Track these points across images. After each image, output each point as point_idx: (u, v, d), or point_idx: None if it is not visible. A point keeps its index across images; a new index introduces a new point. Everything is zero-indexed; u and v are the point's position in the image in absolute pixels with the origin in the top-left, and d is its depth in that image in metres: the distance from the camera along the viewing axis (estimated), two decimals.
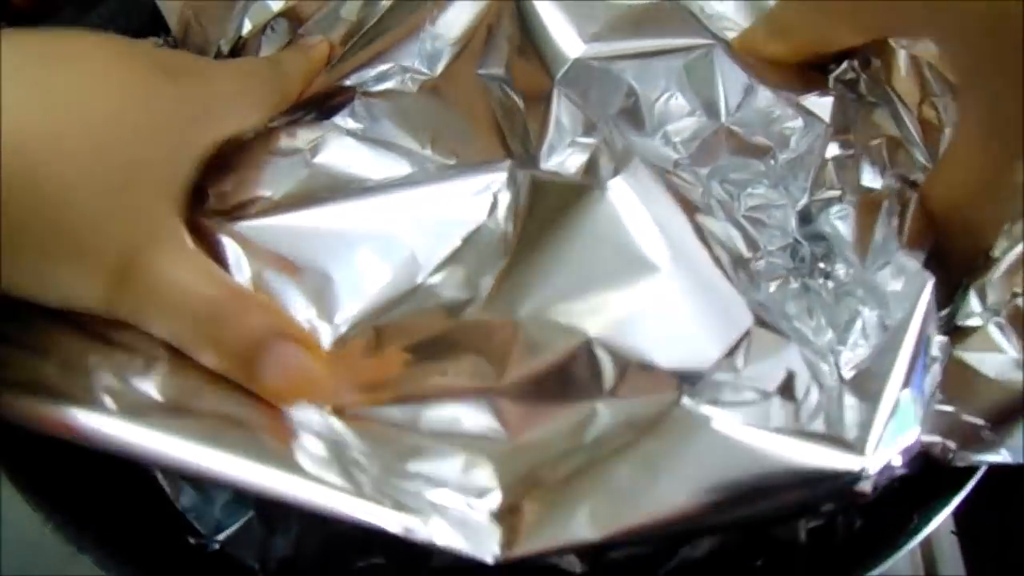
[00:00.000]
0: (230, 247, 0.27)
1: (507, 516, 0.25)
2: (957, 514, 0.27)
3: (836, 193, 0.31)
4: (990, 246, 0.29)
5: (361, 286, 0.27)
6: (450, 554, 0.24)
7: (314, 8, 0.35)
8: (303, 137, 0.31)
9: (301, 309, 0.27)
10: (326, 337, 0.27)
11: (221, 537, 0.29)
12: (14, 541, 0.37)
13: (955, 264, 0.29)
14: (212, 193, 0.29)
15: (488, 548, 0.24)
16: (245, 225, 0.28)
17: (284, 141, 0.30)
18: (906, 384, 0.26)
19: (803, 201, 0.31)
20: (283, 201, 0.29)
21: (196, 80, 0.27)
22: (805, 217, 0.31)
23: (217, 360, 0.25)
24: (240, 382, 0.25)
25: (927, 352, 0.26)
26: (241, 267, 0.27)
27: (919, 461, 0.26)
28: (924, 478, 0.26)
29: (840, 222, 0.30)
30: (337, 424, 0.27)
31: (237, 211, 0.28)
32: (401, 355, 0.27)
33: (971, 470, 0.27)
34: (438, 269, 0.28)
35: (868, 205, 0.30)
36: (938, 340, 0.27)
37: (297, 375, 0.25)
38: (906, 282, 0.28)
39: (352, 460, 0.26)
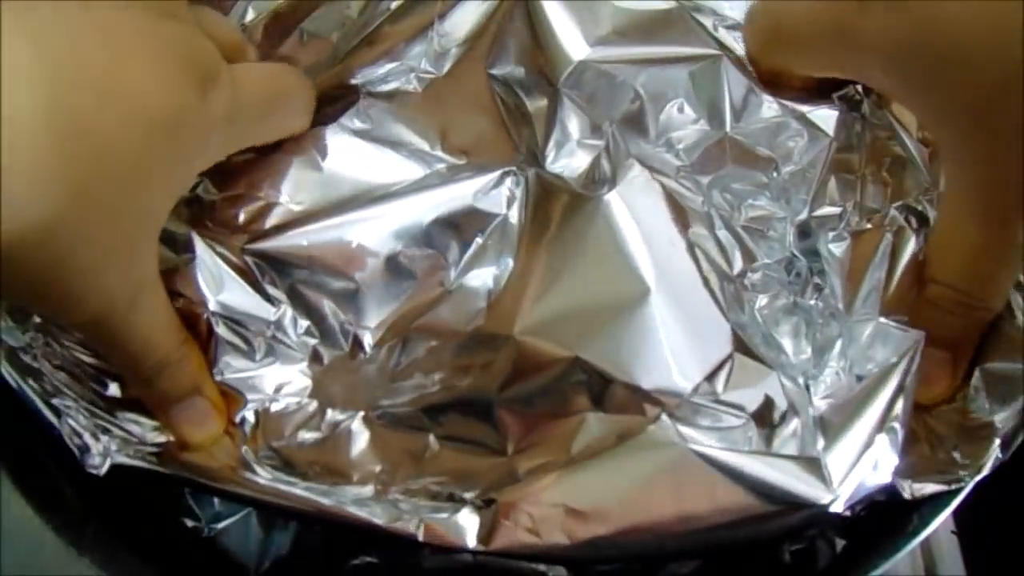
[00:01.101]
0: (258, 268, 0.28)
1: (485, 510, 0.26)
2: (957, 514, 0.27)
3: (837, 210, 0.31)
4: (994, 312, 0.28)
5: (391, 292, 0.29)
6: (442, 555, 0.26)
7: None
8: (311, 137, 0.31)
9: (336, 318, 0.28)
10: (365, 344, 0.28)
11: (218, 526, 0.29)
12: (14, 541, 0.37)
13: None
14: (222, 197, 0.29)
15: (468, 539, 0.25)
16: (270, 245, 0.29)
17: (292, 141, 0.31)
18: (880, 427, 0.26)
19: (803, 216, 0.31)
20: (300, 210, 0.29)
21: (225, 88, 0.25)
22: (804, 232, 0.31)
23: (143, 393, 0.27)
24: (152, 411, 0.27)
25: (905, 398, 0.26)
26: (275, 284, 0.28)
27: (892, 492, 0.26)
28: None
29: (836, 247, 0.30)
30: (357, 425, 0.28)
31: (254, 224, 0.29)
32: (422, 363, 0.28)
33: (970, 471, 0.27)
34: (465, 269, 0.29)
35: (864, 243, 0.30)
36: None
37: (202, 431, 0.27)
38: (887, 343, 0.28)
39: (355, 463, 0.28)
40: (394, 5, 0.34)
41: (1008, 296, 0.28)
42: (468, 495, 0.26)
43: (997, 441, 0.26)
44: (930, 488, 0.26)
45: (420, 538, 0.25)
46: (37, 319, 0.28)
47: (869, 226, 0.30)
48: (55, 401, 0.27)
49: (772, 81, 0.31)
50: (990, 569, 0.41)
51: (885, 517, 0.27)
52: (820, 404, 0.28)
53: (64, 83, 0.20)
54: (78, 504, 0.27)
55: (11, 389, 0.28)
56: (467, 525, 0.26)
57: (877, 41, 0.25)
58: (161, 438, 0.27)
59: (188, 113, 0.23)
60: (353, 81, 0.32)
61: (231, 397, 0.28)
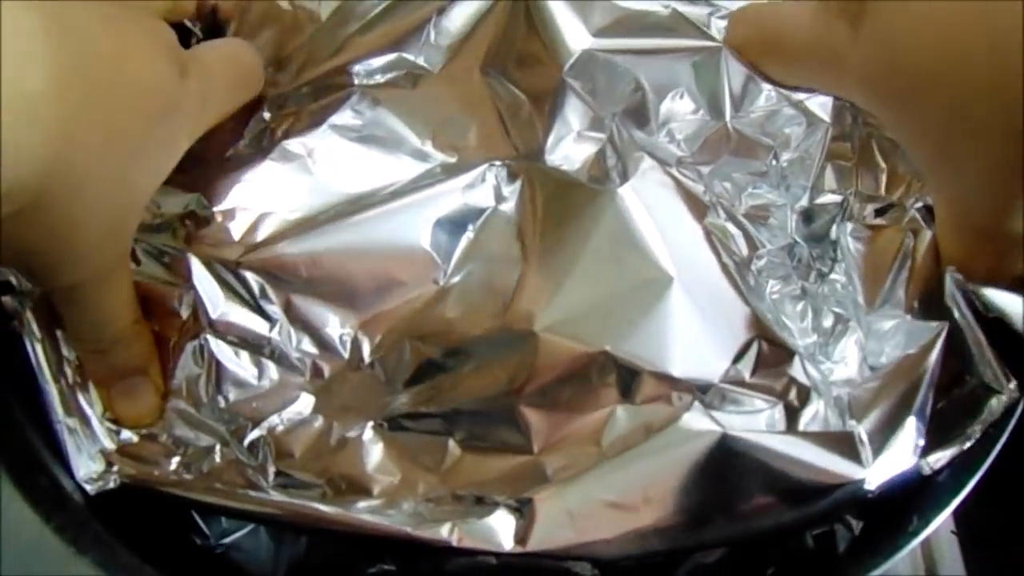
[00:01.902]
0: (254, 280, 0.28)
1: (520, 512, 0.25)
2: (957, 514, 0.27)
3: (837, 198, 0.31)
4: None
5: (388, 297, 0.28)
6: (463, 558, 0.25)
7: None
8: (302, 140, 0.31)
9: (334, 328, 0.28)
10: (364, 352, 0.28)
11: (227, 541, 0.29)
12: (14, 541, 0.37)
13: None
14: (217, 211, 0.29)
15: (502, 541, 0.25)
16: (262, 257, 0.28)
17: (283, 144, 0.31)
18: (908, 409, 0.26)
19: (803, 202, 0.31)
20: (293, 219, 0.29)
21: (199, 75, 0.27)
22: (807, 218, 0.31)
23: (92, 363, 0.28)
24: (95, 384, 0.28)
25: (929, 383, 0.27)
26: (268, 296, 0.28)
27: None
28: (924, 479, 0.26)
29: (855, 242, 0.30)
30: (368, 436, 0.28)
31: (248, 236, 0.29)
32: (433, 367, 0.28)
33: (971, 470, 0.27)
34: (458, 267, 0.28)
35: (883, 239, 0.30)
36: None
37: (138, 409, 0.28)
38: (910, 335, 0.28)
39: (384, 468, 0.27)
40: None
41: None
42: (499, 497, 0.26)
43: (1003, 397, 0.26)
44: (947, 455, 0.26)
45: (454, 543, 0.25)
46: None
47: (884, 222, 0.30)
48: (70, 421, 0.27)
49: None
50: (990, 569, 0.41)
51: (885, 517, 0.27)
52: (840, 389, 0.28)
53: (74, 62, 0.22)
54: (78, 504, 0.27)
55: (11, 389, 0.28)
56: (502, 527, 0.25)
57: (861, 70, 0.25)
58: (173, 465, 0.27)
59: (177, 98, 0.26)
60: (347, 74, 0.32)
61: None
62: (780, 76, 0.31)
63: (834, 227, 0.31)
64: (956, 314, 0.27)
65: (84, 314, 0.27)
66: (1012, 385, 0.26)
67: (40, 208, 0.22)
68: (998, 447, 0.27)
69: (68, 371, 0.28)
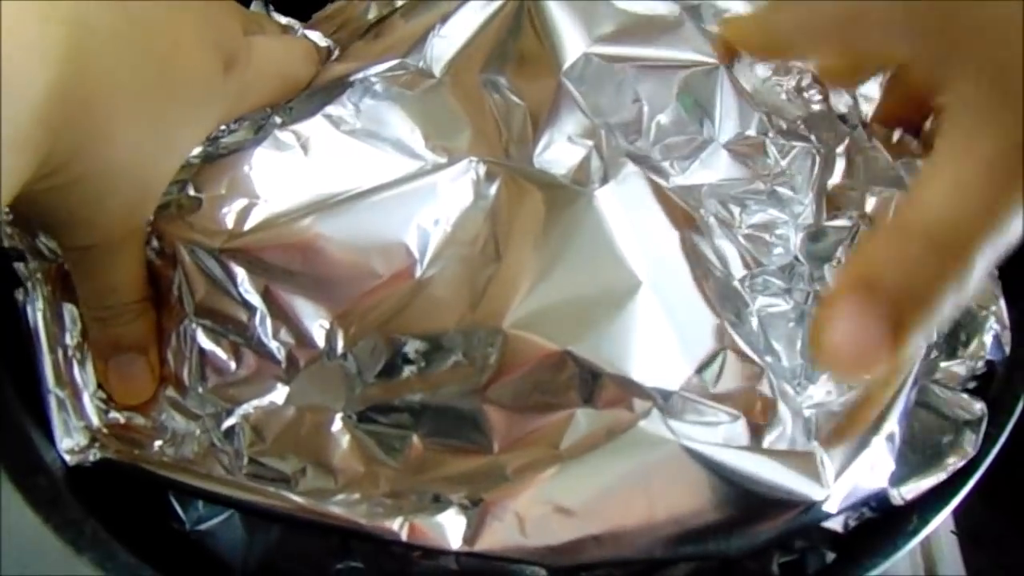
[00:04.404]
0: (235, 267, 0.28)
1: (470, 511, 0.25)
2: (957, 514, 0.27)
3: (847, 223, 0.31)
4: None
5: (364, 290, 0.28)
6: (429, 560, 0.26)
7: None
8: (295, 130, 0.31)
9: (311, 318, 0.28)
10: (338, 343, 0.28)
11: (202, 528, 0.29)
12: (14, 541, 0.37)
13: None
14: (206, 197, 0.29)
15: (451, 539, 0.25)
16: (246, 244, 0.28)
17: (275, 134, 0.31)
18: (876, 431, 0.26)
19: (807, 219, 0.31)
20: (278, 210, 0.29)
21: (246, 68, 0.29)
22: (813, 237, 0.31)
23: (95, 330, 0.29)
24: (94, 356, 0.29)
25: (905, 405, 0.27)
26: (249, 284, 0.28)
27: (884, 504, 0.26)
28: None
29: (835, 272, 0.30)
30: (337, 428, 0.28)
31: (234, 224, 0.29)
32: (402, 361, 0.28)
33: (970, 470, 0.27)
34: (433, 261, 0.28)
35: None
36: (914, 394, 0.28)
37: (132, 388, 0.29)
38: None
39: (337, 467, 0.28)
40: (400, 3, 0.35)
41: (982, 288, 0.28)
42: (455, 496, 0.26)
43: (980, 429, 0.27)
44: (922, 486, 0.26)
45: (403, 538, 0.25)
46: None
47: None
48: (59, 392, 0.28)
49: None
50: (990, 569, 0.41)
51: (884, 517, 0.27)
52: (809, 411, 0.28)
53: (126, 47, 0.24)
54: (77, 503, 0.27)
55: (11, 389, 0.28)
56: (452, 525, 0.25)
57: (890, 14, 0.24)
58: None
59: (212, 88, 0.28)
60: (348, 74, 0.32)
61: None
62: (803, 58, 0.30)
63: (840, 249, 0.31)
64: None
65: (92, 278, 0.28)
66: (979, 407, 0.27)
67: (69, 181, 0.24)
68: (998, 447, 0.27)
69: (69, 343, 0.29)
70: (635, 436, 0.26)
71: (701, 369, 0.27)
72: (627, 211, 0.28)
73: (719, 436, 0.26)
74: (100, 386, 0.29)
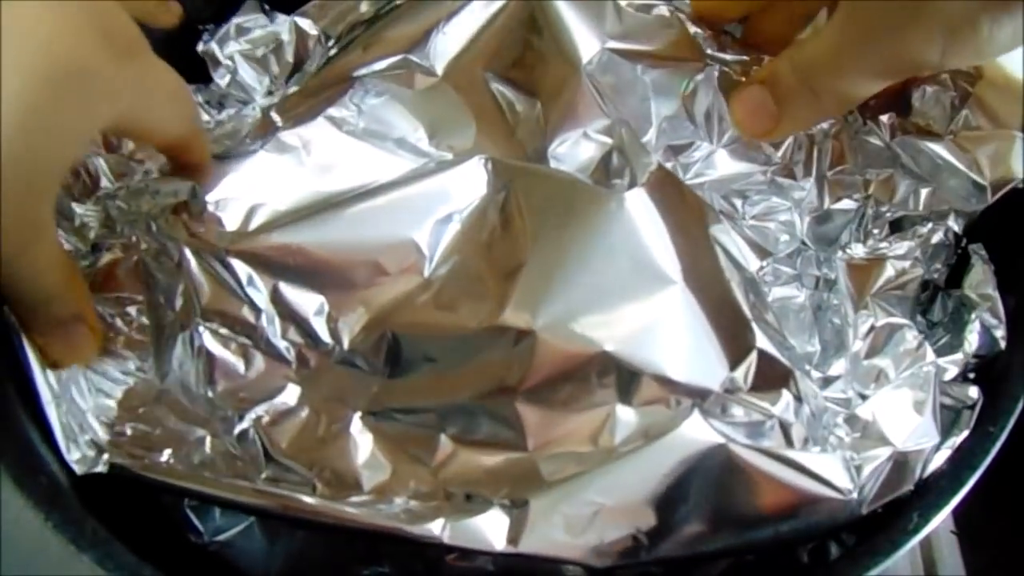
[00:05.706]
0: (240, 268, 0.28)
1: (513, 512, 0.25)
2: (957, 514, 0.27)
3: (853, 204, 0.32)
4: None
5: (373, 288, 0.28)
6: (459, 563, 0.25)
7: None
8: (297, 132, 0.31)
9: (319, 317, 0.28)
10: (346, 342, 0.28)
11: (221, 538, 0.29)
12: (14, 541, 0.37)
13: None
14: (210, 200, 0.29)
15: (494, 540, 0.25)
16: (252, 245, 0.28)
17: (278, 135, 0.31)
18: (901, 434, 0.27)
19: (811, 202, 0.32)
20: (284, 210, 0.29)
21: (139, 64, 0.27)
22: (819, 220, 0.32)
23: (27, 321, 0.27)
24: (27, 336, 0.28)
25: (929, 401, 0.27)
26: (256, 285, 0.28)
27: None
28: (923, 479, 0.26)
29: (842, 272, 0.31)
30: (356, 429, 0.28)
31: (240, 226, 0.29)
32: (423, 360, 0.28)
33: (971, 470, 0.27)
34: (445, 258, 0.28)
35: (868, 272, 0.31)
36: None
37: (76, 354, 0.28)
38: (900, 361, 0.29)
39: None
40: (401, 1, 0.35)
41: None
42: (494, 496, 0.26)
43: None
44: (936, 462, 0.27)
45: (446, 541, 0.25)
46: None
47: (878, 255, 0.31)
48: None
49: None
50: (990, 569, 0.41)
51: (885, 517, 0.27)
52: (829, 404, 0.28)
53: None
54: (77, 502, 0.27)
55: (11, 388, 0.28)
56: (494, 526, 0.25)
57: None
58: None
59: (106, 77, 0.25)
60: (351, 72, 0.33)
61: None
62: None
63: (847, 231, 0.31)
64: None
65: (14, 283, 0.26)
66: (973, 391, 0.28)
67: None
68: (997, 447, 0.27)
69: None
70: (678, 437, 0.26)
71: (735, 367, 0.27)
72: (657, 211, 0.29)
73: (754, 435, 0.27)
74: (55, 364, 0.28)
